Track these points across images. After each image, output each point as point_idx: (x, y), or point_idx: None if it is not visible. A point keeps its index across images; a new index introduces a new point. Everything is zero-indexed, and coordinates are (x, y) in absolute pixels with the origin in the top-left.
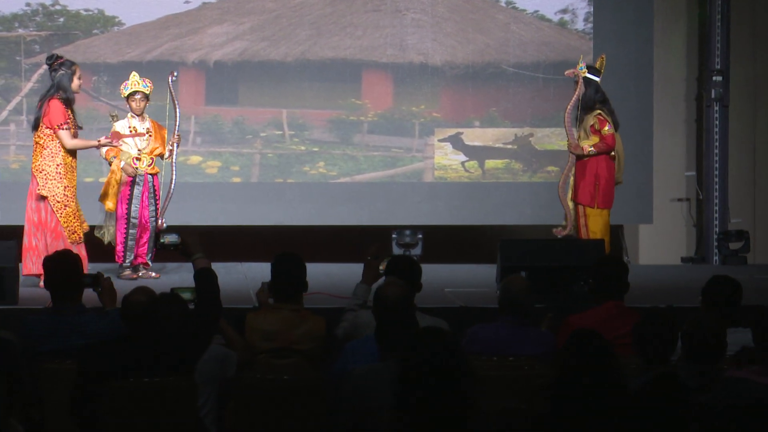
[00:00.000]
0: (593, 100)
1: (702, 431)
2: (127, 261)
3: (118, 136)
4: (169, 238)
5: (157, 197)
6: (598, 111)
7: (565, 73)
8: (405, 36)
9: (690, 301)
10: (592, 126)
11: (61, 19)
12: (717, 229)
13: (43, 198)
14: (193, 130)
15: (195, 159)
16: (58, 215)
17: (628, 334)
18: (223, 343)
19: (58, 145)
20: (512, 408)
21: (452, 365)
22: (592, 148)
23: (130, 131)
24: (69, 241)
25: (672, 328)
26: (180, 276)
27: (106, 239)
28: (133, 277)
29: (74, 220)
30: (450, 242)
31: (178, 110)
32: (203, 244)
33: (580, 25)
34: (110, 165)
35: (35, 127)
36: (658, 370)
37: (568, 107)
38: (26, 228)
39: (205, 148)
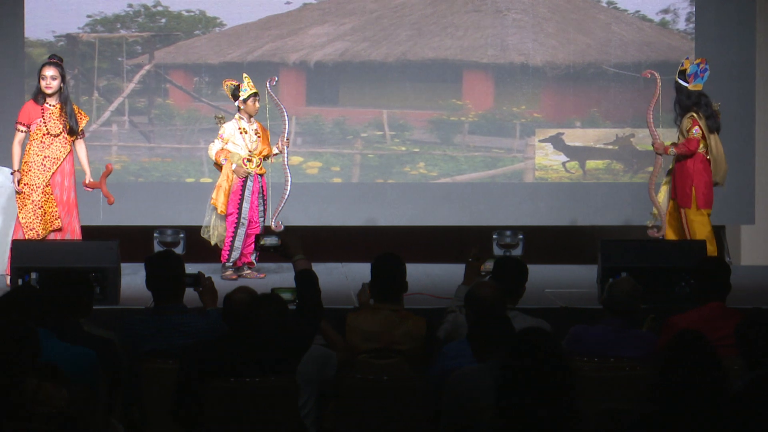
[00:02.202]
0: (686, 105)
1: None
2: (230, 260)
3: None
4: (269, 240)
5: (265, 197)
6: (692, 113)
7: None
8: (506, 36)
9: None
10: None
11: (163, 20)
12: None
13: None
14: (294, 130)
15: (296, 159)
16: (18, 210)
17: (730, 335)
18: (323, 343)
19: (28, 143)
20: (613, 409)
21: (554, 366)
22: (673, 149)
23: (240, 133)
24: (26, 236)
25: None
26: (281, 276)
27: (213, 240)
28: (233, 278)
29: (33, 217)
30: (550, 243)
31: (286, 115)
32: (304, 245)
33: (681, 25)
34: (217, 168)
35: None
36: (761, 372)
37: (650, 108)
38: None
39: (305, 149)
